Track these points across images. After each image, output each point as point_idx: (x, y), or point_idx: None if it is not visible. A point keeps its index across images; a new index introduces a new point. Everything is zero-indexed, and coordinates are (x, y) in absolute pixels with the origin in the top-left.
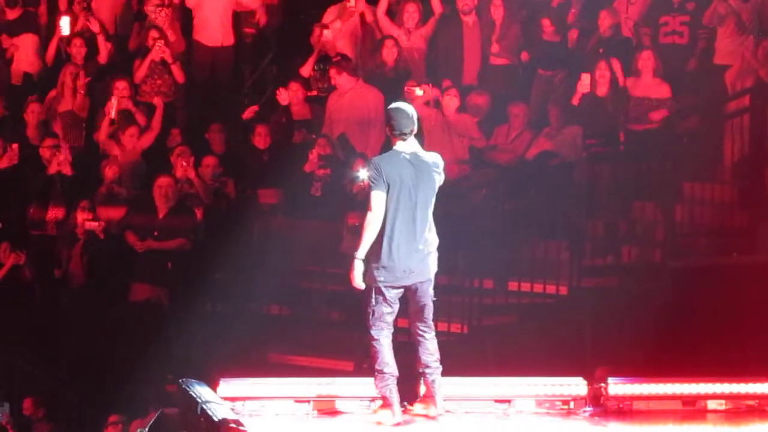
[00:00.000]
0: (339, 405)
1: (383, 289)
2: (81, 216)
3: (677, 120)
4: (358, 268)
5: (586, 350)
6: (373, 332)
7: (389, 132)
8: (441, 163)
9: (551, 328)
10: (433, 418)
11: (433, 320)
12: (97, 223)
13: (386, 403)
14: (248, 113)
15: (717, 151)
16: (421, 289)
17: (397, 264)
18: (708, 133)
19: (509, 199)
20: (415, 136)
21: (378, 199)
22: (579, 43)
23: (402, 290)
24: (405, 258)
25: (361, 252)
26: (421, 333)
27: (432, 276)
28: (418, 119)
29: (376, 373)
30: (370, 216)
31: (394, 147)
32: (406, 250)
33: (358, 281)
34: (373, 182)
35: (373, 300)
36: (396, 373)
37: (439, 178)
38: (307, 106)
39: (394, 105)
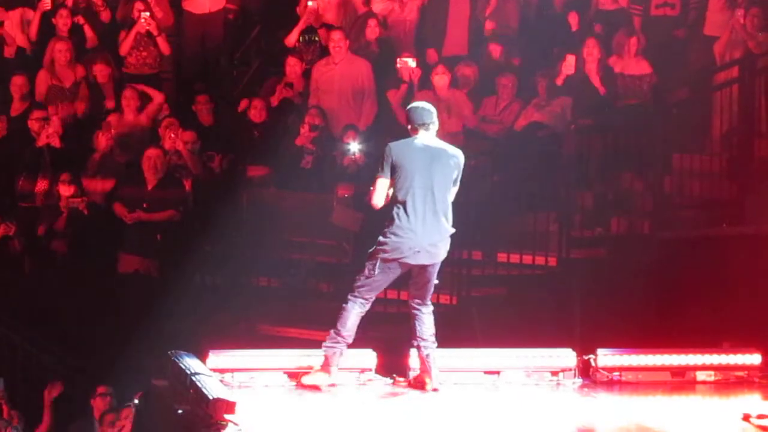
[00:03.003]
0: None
1: (391, 263)
2: (63, 190)
3: (664, 92)
4: None
5: (574, 321)
6: (355, 296)
7: (410, 128)
8: (461, 157)
9: (540, 300)
10: (428, 391)
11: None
12: (80, 199)
13: (326, 364)
14: (242, 105)
15: (705, 123)
16: (429, 270)
17: (415, 240)
18: (697, 104)
19: (498, 170)
20: None
21: (381, 184)
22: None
23: (408, 268)
24: (426, 235)
25: None
26: (417, 308)
27: (441, 260)
28: (437, 115)
29: (332, 332)
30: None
31: (415, 137)
32: (428, 228)
33: None
34: (380, 167)
35: (377, 269)
36: (350, 342)
37: (457, 169)
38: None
39: (410, 105)
